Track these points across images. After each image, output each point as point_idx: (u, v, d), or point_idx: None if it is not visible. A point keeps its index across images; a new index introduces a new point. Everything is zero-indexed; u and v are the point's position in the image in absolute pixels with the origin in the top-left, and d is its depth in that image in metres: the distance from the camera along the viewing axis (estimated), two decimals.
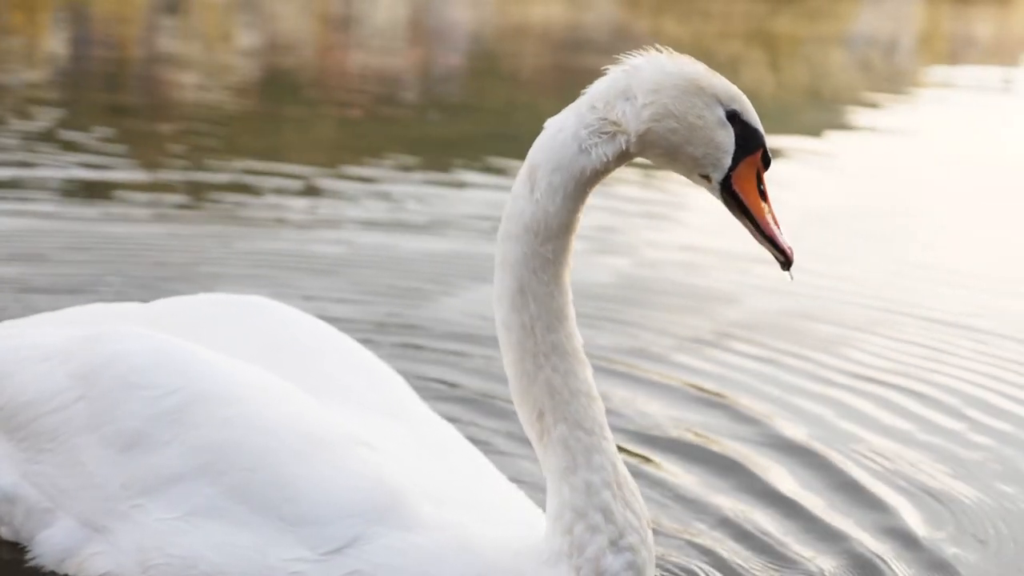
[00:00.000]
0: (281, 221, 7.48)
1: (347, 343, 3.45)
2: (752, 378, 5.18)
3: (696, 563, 3.52)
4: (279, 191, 8.28)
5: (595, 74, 2.81)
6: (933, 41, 25.37)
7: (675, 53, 2.80)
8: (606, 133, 2.76)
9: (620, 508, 2.82)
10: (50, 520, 3.03)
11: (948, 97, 15.90)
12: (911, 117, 14.11)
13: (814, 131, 12.67)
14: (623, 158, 2.80)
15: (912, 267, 7.42)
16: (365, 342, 3.74)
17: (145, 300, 3.54)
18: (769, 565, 3.56)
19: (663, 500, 3.93)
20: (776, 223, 2.83)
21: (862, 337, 5.81)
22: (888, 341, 5.79)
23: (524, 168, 2.81)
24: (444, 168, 9.51)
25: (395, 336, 5.41)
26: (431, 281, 6.35)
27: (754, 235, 2.84)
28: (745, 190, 2.80)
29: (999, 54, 21.74)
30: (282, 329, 3.34)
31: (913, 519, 3.93)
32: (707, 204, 3.12)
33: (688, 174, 2.85)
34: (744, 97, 2.80)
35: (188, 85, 13.68)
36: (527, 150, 2.80)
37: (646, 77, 2.76)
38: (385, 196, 8.37)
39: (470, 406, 4.61)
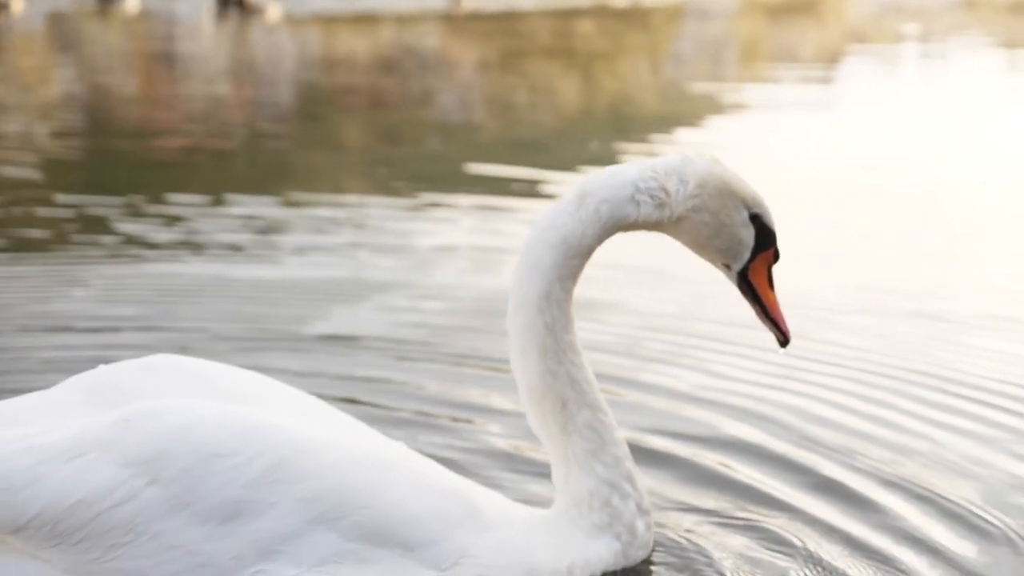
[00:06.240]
0: (112, 254, 7.30)
1: (261, 377, 3.37)
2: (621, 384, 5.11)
3: None
4: (108, 226, 8.06)
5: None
6: (754, 51, 25.99)
7: (718, 157, 3.25)
8: (657, 199, 3.17)
9: (638, 475, 3.25)
10: None
11: (767, 105, 16.14)
12: (730, 127, 14.27)
13: (631, 146, 12.77)
14: (657, 227, 3.23)
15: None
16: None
17: None
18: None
19: None
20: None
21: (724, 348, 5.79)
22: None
23: (575, 191, 3.21)
24: (277, 196, 9.39)
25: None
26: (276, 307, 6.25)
27: (760, 316, 3.35)
28: (759, 282, 3.32)
29: (816, 60, 22.33)
30: (210, 379, 3.25)
31: (811, 502, 3.91)
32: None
33: (713, 261, 3.33)
34: (766, 202, 3.27)
35: (4, 126, 13.26)
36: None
37: (698, 171, 3.20)
38: (219, 226, 8.20)
39: None
